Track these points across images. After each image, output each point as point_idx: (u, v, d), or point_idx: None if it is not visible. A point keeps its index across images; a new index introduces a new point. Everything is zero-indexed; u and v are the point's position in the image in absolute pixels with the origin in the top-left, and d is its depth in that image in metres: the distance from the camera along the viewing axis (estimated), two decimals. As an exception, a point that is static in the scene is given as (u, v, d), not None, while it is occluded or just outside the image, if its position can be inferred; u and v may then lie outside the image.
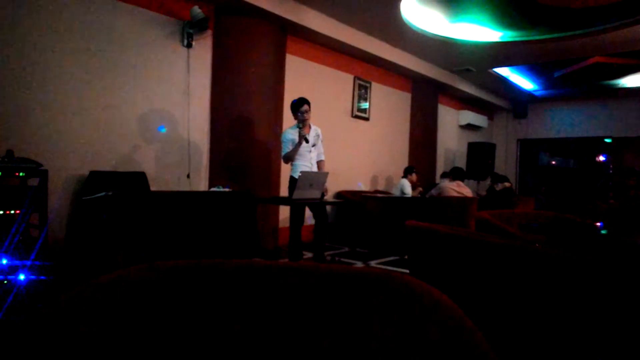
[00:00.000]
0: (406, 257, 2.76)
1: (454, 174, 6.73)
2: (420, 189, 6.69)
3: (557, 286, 1.36)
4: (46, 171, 3.42)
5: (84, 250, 3.73)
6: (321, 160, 4.48)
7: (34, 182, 3.40)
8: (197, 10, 4.66)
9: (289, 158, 4.24)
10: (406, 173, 6.86)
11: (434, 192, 6.49)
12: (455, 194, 6.43)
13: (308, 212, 4.49)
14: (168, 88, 4.78)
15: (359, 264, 4.97)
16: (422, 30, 6.30)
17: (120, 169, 4.31)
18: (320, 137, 4.44)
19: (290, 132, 4.29)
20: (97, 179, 3.94)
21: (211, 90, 5.21)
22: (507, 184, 7.42)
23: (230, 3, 4.94)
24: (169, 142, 4.81)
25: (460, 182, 6.70)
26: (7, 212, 3.21)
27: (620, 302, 1.26)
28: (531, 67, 8.61)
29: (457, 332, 0.74)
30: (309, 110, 4.21)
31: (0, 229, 3.08)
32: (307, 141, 4.17)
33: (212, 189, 4.52)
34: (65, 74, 3.98)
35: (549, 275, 1.37)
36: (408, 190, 6.65)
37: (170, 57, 4.78)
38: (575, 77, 8.87)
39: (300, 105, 4.19)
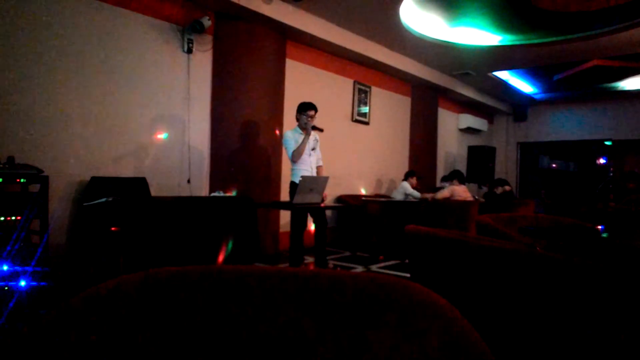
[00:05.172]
0: (407, 261, 2.76)
1: (459, 178, 6.74)
2: (427, 195, 6.68)
3: (557, 290, 1.36)
4: (47, 177, 3.43)
5: (85, 256, 3.73)
6: (320, 166, 4.51)
7: (34, 188, 3.40)
8: (207, 20, 4.73)
9: (299, 153, 4.19)
10: (407, 177, 6.87)
11: (446, 193, 6.48)
12: (462, 198, 6.45)
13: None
14: (168, 93, 4.80)
15: (360, 269, 4.97)
16: (421, 34, 6.32)
17: (121, 175, 4.31)
18: (319, 142, 4.47)
19: (291, 132, 4.31)
20: (98, 185, 3.94)
21: (211, 96, 5.23)
22: (507, 188, 7.42)
23: (231, 9, 4.96)
24: (169, 148, 4.81)
25: (464, 187, 6.73)
26: (8, 218, 3.21)
27: (621, 306, 1.26)
28: (530, 70, 8.63)
29: (458, 337, 0.74)
30: (314, 117, 4.25)
31: (1, 235, 3.08)
32: (319, 129, 4.27)
33: (213, 194, 4.53)
34: (66, 80, 3.99)
35: (549, 279, 1.37)
36: (410, 190, 6.63)
37: (170, 62, 4.80)
38: (575, 80, 8.89)
39: (309, 108, 4.23)
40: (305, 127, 4.21)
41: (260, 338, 0.76)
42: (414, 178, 6.84)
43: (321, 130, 4.30)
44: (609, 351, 1.27)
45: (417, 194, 6.59)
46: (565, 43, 6.39)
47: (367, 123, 7.49)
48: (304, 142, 4.19)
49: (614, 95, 9.80)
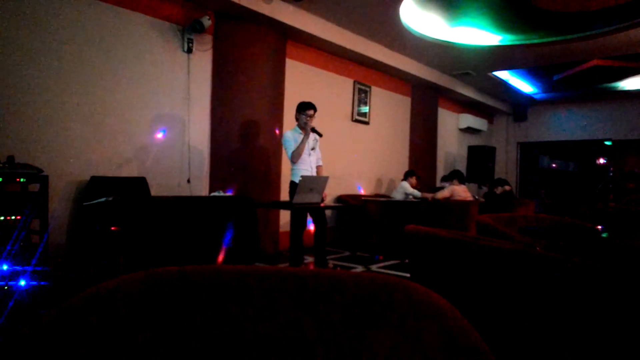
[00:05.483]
0: (407, 261, 2.77)
1: (459, 177, 6.75)
2: (427, 195, 6.70)
3: (557, 290, 1.36)
4: (47, 177, 3.43)
5: (84, 256, 3.73)
6: (320, 165, 4.51)
7: (34, 187, 3.41)
8: (207, 20, 4.74)
9: (298, 154, 4.19)
10: (406, 176, 6.88)
11: (446, 193, 6.50)
12: (461, 198, 6.46)
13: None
14: (168, 93, 4.80)
15: (360, 268, 4.97)
16: (421, 34, 6.32)
17: (121, 175, 4.31)
18: (318, 142, 4.47)
19: (290, 133, 4.31)
20: (97, 185, 3.94)
21: (211, 95, 5.23)
22: (507, 188, 7.42)
23: (231, 9, 4.96)
24: (169, 147, 4.81)
25: (464, 187, 6.74)
26: (8, 218, 3.21)
27: (620, 307, 1.26)
28: (531, 70, 8.63)
29: (458, 337, 0.74)
30: (314, 116, 4.25)
31: (1, 235, 3.08)
32: (319, 134, 4.27)
33: (213, 194, 4.52)
34: (65, 79, 3.99)
35: (549, 279, 1.37)
36: (410, 190, 6.64)
37: (170, 62, 4.80)
38: (575, 80, 8.89)
39: (308, 108, 4.23)
40: (304, 127, 4.21)
41: (260, 338, 0.76)
42: (414, 178, 6.85)
43: (320, 135, 4.30)
44: (609, 351, 1.27)
45: (417, 193, 6.61)
46: (565, 43, 6.39)
47: (367, 123, 7.49)
48: (302, 143, 4.18)
49: (614, 95, 9.80)
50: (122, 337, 0.70)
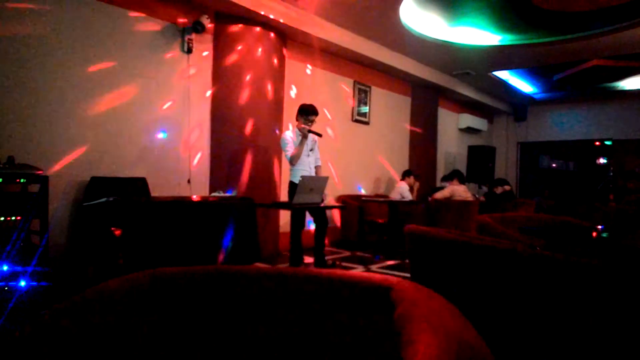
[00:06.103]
0: (407, 261, 2.78)
1: (459, 177, 6.76)
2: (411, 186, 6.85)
3: (557, 290, 1.36)
4: (47, 177, 3.43)
5: (85, 256, 3.73)
6: (318, 166, 4.52)
7: (34, 188, 3.41)
8: (207, 20, 4.75)
9: (297, 156, 4.21)
10: (404, 176, 6.88)
11: (446, 193, 6.50)
12: (462, 198, 6.46)
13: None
14: (168, 93, 4.80)
15: (360, 269, 4.97)
16: (421, 34, 6.32)
17: (121, 175, 4.31)
18: (317, 143, 4.48)
19: (289, 135, 4.32)
20: (97, 185, 3.94)
21: (211, 96, 5.23)
22: (507, 187, 7.42)
23: (231, 9, 4.97)
24: (169, 148, 4.81)
25: (464, 187, 6.74)
26: (8, 218, 3.21)
27: (620, 306, 1.26)
28: (530, 70, 8.63)
29: (458, 337, 0.75)
30: (315, 121, 4.27)
31: (1, 235, 3.08)
32: (318, 134, 4.27)
33: (213, 194, 4.52)
34: (65, 80, 3.99)
35: (549, 279, 1.37)
36: (406, 194, 6.65)
37: (170, 62, 4.80)
38: (575, 80, 8.89)
39: (312, 113, 4.24)
40: (302, 131, 4.21)
41: (260, 336, 0.76)
42: (411, 177, 6.86)
43: (319, 135, 4.31)
44: (609, 351, 1.27)
45: (409, 198, 6.60)
46: (565, 43, 6.39)
47: (367, 123, 7.49)
48: (301, 145, 4.20)
49: (614, 95, 9.80)
50: (123, 334, 0.70)
